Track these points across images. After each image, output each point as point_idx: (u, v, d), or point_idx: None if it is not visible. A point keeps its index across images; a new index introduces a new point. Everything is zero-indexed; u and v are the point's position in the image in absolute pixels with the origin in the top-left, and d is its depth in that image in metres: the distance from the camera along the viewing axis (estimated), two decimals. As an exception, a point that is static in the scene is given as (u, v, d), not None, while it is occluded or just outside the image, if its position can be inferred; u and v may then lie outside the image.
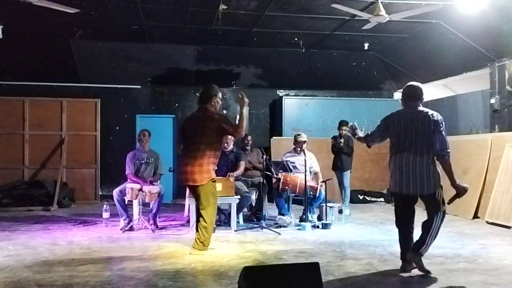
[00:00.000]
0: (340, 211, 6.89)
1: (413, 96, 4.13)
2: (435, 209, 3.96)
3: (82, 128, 9.37)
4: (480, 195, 7.09)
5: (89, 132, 9.39)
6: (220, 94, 4.94)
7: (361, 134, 4.45)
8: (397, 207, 4.20)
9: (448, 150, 3.90)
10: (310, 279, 2.83)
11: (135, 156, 6.44)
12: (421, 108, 4.07)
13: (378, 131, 4.29)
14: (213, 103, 4.85)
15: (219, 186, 5.98)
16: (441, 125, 3.90)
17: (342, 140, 7.68)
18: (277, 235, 5.74)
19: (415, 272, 4.04)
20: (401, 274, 4.00)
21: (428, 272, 3.91)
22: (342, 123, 7.76)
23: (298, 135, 6.89)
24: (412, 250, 3.99)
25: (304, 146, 6.80)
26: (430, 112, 4.01)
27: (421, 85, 4.24)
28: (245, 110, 4.95)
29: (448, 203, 4.01)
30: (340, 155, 7.72)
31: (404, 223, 4.14)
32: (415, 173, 3.93)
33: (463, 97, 8.68)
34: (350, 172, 7.86)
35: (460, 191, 3.97)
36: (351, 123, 4.62)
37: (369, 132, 4.40)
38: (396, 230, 6.10)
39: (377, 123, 10.08)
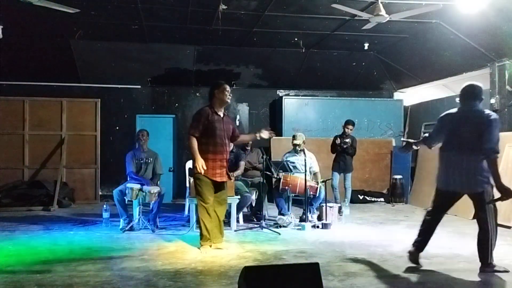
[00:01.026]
0: (340, 208, 6.90)
1: (470, 96, 4.12)
2: (483, 209, 3.98)
3: (82, 128, 9.36)
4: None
5: (89, 132, 9.39)
6: (222, 87, 4.91)
7: (415, 146, 4.56)
8: (436, 201, 4.24)
9: (496, 150, 3.85)
10: (310, 279, 2.83)
11: (134, 155, 6.44)
12: (477, 107, 4.07)
13: (434, 132, 4.33)
14: (216, 98, 4.90)
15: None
16: (494, 124, 3.89)
17: (349, 141, 7.67)
18: (277, 235, 5.74)
19: (414, 272, 4.04)
20: (410, 262, 4.13)
21: (506, 270, 3.99)
22: (349, 122, 7.76)
23: (294, 136, 6.90)
24: (482, 265, 4.01)
25: (301, 147, 6.79)
26: (486, 111, 4.02)
27: (480, 85, 4.22)
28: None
29: (488, 203, 3.99)
30: (344, 156, 7.70)
31: (435, 215, 4.20)
32: (461, 171, 3.95)
33: (463, 97, 8.67)
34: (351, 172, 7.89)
35: (504, 194, 3.87)
36: (403, 140, 4.78)
37: (427, 135, 4.47)
38: (396, 229, 6.10)
39: (377, 123, 10.08)
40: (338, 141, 7.68)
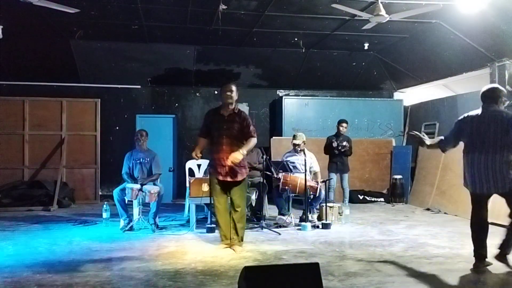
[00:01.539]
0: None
1: (490, 98, 4.15)
2: None
3: (82, 128, 9.36)
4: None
5: (89, 132, 9.39)
6: (223, 88, 4.93)
7: (428, 141, 4.47)
8: (472, 205, 4.23)
9: None
10: (310, 279, 2.83)
11: (132, 155, 6.45)
12: (496, 108, 4.11)
13: (451, 135, 4.31)
14: (221, 98, 4.98)
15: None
16: None
17: (346, 144, 7.61)
18: (277, 235, 5.74)
19: (414, 272, 4.04)
20: (475, 272, 4.03)
21: None
22: (343, 121, 7.77)
23: (294, 136, 6.90)
24: (499, 253, 4.08)
25: (301, 147, 6.78)
26: (506, 111, 4.07)
27: (500, 87, 4.27)
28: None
29: None
30: (341, 156, 7.67)
31: (479, 221, 4.17)
32: (487, 173, 3.98)
33: (463, 97, 8.68)
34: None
35: None
36: (415, 133, 4.61)
37: (443, 137, 4.41)
38: (396, 229, 6.11)
39: (377, 123, 10.04)
40: (335, 144, 7.62)
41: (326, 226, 6.20)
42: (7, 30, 7.25)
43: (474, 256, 4.12)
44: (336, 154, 7.67)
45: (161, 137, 9.48)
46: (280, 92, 10.60)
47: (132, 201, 6.12)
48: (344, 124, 7.72)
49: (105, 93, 9.75)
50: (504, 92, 4.20)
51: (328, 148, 7.73)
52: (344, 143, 7.63)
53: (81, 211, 7.99)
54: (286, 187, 6.38)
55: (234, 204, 4.90)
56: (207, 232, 5.83)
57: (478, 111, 4.17)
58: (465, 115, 4.26)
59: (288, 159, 6.77)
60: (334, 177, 7.75)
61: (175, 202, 9.18)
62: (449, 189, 7.93)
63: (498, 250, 4.16)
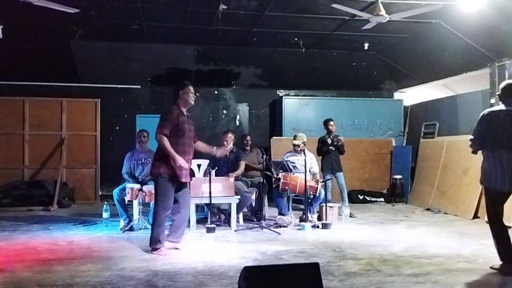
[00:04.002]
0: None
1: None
2: None
3: (82, 128, 9.36)
4: (480, 195, 7.09)
5: (89, 132, 9.39)
6: (187, 88, 5.09)
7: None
8: (492, 204, 4.12)
9: None
10: (310, 279, 2.83)
11: (133, 156, 6.45)
12: None
13: (476, 134, 4.16)
14: (181, 99, 5.08)
15: (219, 186, 6.01)
16: None
17: (341, 138, 7.55)
18: (277, 235, 5.74)
19: (414, 272, 4.04)
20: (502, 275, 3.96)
21: None
22: (329, 119, 7.61)
23: (294, 137, 6.88)
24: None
25: (301, 147, 6.77)
26: None
27: None
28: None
29: None
30: (335, 155, 7.55)
31: (500, 219, 4.08)
32: (510, 170, 3.93)
33: (463, 97, 8.68)
34: None
35: None
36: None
37: (472, 137, 4.23)
38: (396, 229, 6.09)
39: (377, 123, 10.03)
40: (329, 140, 7.52)
41: (326, 226, 6.20)
42: (7, 30, 7.24)
43: (502, 260, 4.00)
44: (330, 151, 7.51)
45: (161, 137, 9.45)
46: (280, 92, 10.60)
47: (132, 201, 6.12)
48: (332, 122, 7.62)
49: (105, 93, 9.75)
50: None
51: (322, 147, 7.62)
52: (339, 137, 7.53)
53: (81, 211, 7.98)
54: (286, 187, 6.38)
55: (188, 200, 5.19)
56: (207, 232, 5.83)
57: (502, 106, 4.10)
58: (487, 111, 4.15)
59: (288, 159, 6.77)
60: (325, 175, 7.66)
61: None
62: (449, 189, 7.93)
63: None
